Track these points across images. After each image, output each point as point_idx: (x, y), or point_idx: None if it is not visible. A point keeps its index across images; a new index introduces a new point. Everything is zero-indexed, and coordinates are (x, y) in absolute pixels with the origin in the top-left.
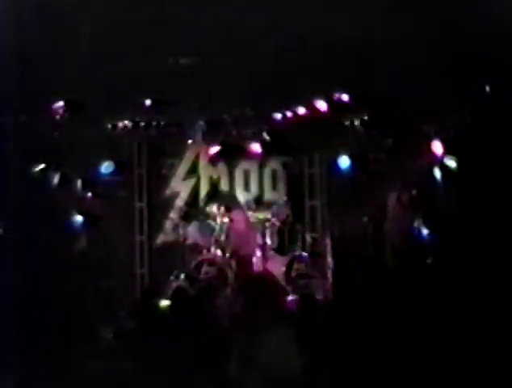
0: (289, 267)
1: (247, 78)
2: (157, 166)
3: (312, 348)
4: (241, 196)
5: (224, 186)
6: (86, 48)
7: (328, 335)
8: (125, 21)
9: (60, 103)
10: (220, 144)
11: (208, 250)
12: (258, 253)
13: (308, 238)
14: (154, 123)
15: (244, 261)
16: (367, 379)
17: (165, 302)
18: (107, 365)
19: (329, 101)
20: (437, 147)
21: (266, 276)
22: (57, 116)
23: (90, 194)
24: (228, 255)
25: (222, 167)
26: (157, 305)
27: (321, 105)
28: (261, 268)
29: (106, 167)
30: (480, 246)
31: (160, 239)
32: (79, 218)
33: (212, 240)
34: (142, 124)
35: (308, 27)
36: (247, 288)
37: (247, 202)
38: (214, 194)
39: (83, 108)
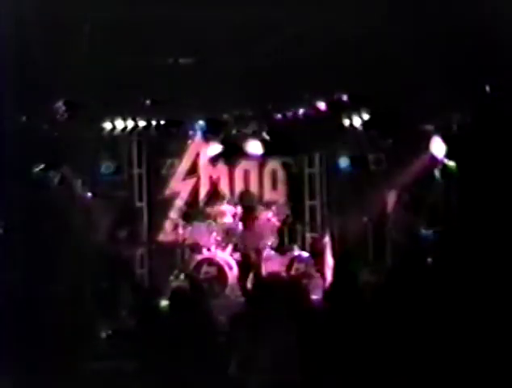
0: (289, 267)
1: (247, 78)
2: (157, 166)
3: (313, 349)
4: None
5: (223, 186)
6: (85, 48)
7: (328, 335)
8: (125, 21)
9: (60, 103)
10: (220, 144)
11: (209, 249)
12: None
13: (308, 237)
14: (154, 123)
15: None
16: (367, 379)
17: (164, 302)
18: (107, 365)
19: (329, 101)
20: (437, 147)
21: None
22: (57, 116)
23: (89, 194)
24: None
25: (222, 167)
26: (157, 305)
27: (321, 105)
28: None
29: (106, 167)
30: (481, 245)
31: (160, 239)
32: None
33: (213, 240)
34: (142, 124)
35: (307, 27)
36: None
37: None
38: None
39: (83, 108)
